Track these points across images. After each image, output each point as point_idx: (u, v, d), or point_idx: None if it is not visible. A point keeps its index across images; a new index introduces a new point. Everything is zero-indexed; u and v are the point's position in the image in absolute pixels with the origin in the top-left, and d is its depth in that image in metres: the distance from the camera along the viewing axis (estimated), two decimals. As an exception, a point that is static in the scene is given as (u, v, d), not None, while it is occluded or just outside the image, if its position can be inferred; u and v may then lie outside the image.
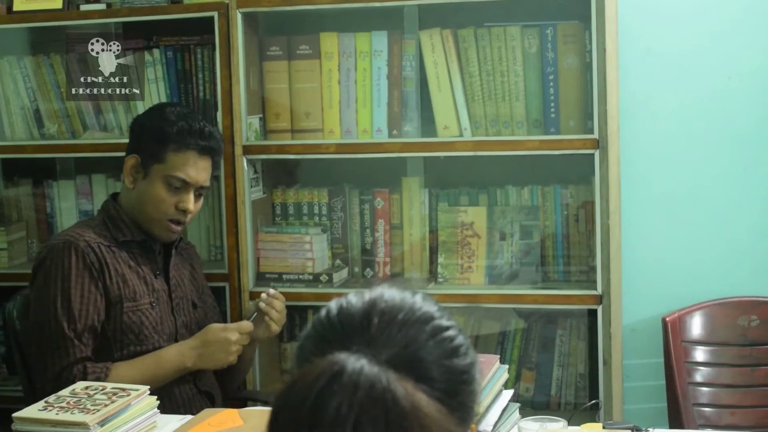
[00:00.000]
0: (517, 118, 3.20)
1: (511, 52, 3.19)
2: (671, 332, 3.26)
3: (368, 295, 1.20)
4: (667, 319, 3.27)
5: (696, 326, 3.30)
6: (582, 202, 3.24)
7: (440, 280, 3.30)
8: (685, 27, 3.34)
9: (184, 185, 2.71)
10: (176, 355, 2.69)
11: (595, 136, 3.04)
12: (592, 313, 3.15)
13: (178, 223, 2.75)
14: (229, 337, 2.69)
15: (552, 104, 3.18)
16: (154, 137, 2.72)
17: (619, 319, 3.09)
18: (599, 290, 3.06)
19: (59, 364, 2.57)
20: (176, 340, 2.77)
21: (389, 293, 1.20)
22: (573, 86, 3.17)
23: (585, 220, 3.23)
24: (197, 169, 2.73)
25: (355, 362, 1.08)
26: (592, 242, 3.14)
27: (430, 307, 1.20)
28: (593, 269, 3.11)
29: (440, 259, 3.30)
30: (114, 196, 2.86)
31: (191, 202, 2.72)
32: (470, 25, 3.22)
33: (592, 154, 3.05)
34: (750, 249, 3.35)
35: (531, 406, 3.29)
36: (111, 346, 2.67)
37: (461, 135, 3.22)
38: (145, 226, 2.76)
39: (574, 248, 3.25)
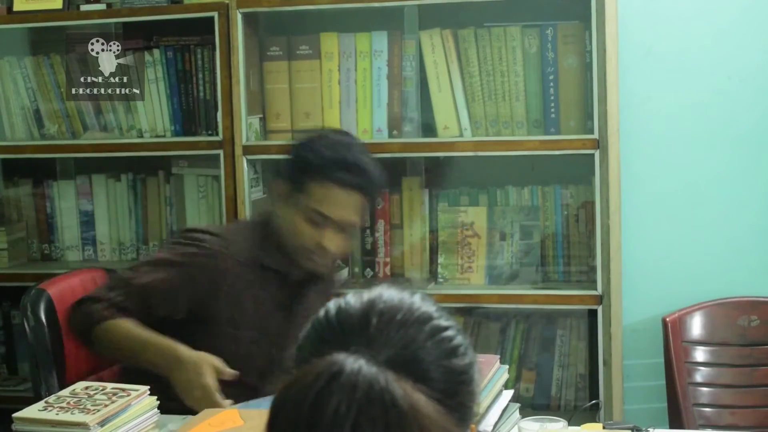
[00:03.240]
0: (517, 119, 3.20)
1: (511, 52, 3.19)
2: (671, 332, 3.26)
3: (367, 295, 1.20)
4: (667, 319, 3.27)
5: (696, 326, 3.30)
6: (582, 202, 3.24)
7: (440, 280, 3.30)
8: (685, 27, 3.34)
9: (326, 221, 2.47)
10: (159, 351, 2.44)
11: (595, 136, 3.04)
12: (592, 314, 3.15)
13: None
14: (196, 392, 2.36)
15: (552, 104, 3.18)
16: (299, 165, 2.51)
17: (619, 320, 3.09)
18: (599, 290, 3.06)
19: (101, 294, 2.54)
20: (263, 375, 2.57)
21: (388, 293, 1.20)
22: (573, 86, 3.17)
23: (585, 220, 3.23)
24: (341, 206, 2.47)
25: (354, 363, 1.08)
26: (592, 242, 3.14)
27: (429, 308, 1.20)
28: (593, 269, 3.11)
29: (440, 260, 3.30)
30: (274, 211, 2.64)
31: (330, 240, 2.47)
32: (470, 25, 3.22)
33: (592, 154, 3.05)
34: (750, 249, 3.35)
35: (531, 406, 3.29)
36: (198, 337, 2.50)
37: (461, 135, 3.22)
38: (292, 256, 2.54)
39: (574, 248, 3.24)
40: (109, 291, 2.54)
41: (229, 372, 2.38)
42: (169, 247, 2.62)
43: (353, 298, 1.20)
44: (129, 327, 2.49)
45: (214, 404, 2.30)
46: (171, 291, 2.52)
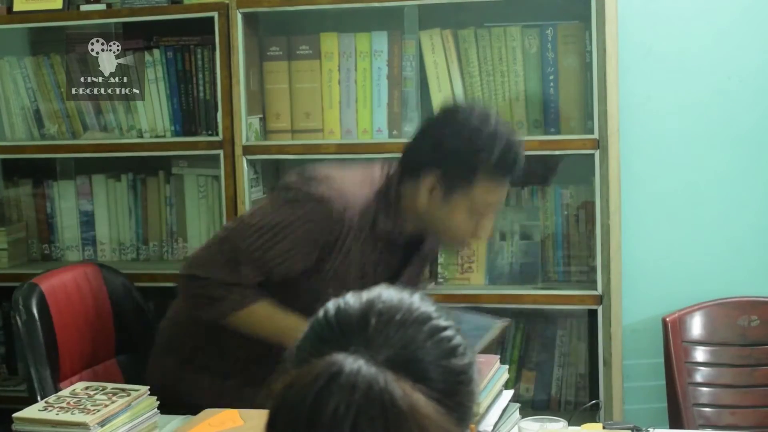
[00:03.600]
0: (517, 118, 3.20)
1: (511, 53, 3.19)
2: (671, 332, 3.26)
3: (366, 295, 1.20)
4: (667, 319, 3.27)
5: (696, 326, 3.30)
6: (582, 203, 3.24)
7: (440, 280, 3.30)
8: (685, 27, 3.34)
9: (490, 211, 2.41)
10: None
11: (595, 136, 3.04)
12: (593, 314, 3.15)
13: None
14: None
15: (552, 104, 3.18)
16: (466, 162, 2.34)
17: (619, 319, 3.09)
18: (599, 290, 3.07)
19: (230, 277, 2.42)
20: None
21: (387, 294, 1.20)
22: (573, 86, 3.17)
23: (585, 220, 3.23)
24: (503, 195, 2.45)
25: (353, 363, 1.08)
26: (592, 242, 3.14)
27: (428, 308, 1.20)
28: (593, 269, 3.12)
29: (440, 260, 3.30)
30: (396, 180, 2.47)
31: (487, 228, 2.41)
32: (470, 25, 3.22)
33: (592, 154, 3.05)
34: (750, 249, 3.35)
35: (531, 406, 3.29)
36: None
37: (461, 135, 3.21)
38: (424, 234, 2.49)
39: (574, 248, 3.25)
40: (236, 269, 2.42)
41: None
42: (289, 206, 2.42)
43: (352, 298, 1.20)
44: (269, 312, 2.44)
45: None
46: (296, 257, 2.42)
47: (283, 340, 2.37)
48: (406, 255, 2.55)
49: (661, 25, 3.35)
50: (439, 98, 3.22)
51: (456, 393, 1.17)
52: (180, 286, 2.55)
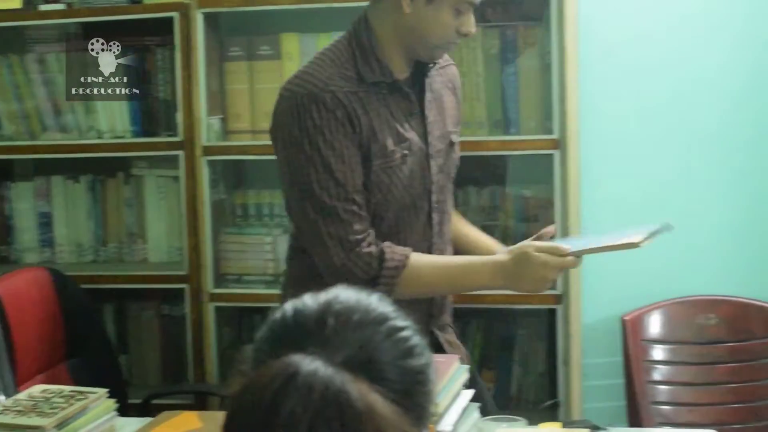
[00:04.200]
0: (478, 119, 3.21)
1: (472, 53, 3.20)
2: (630, 331, 3.28)
3: (324, 296, 1.20)
4: (626, 318, 3.29)
5: (655, 325, 3.32)
6: (543, 202, 3.25)
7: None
8: (644, 28, 3.36)
9: (470, 7, 2.36)
10: (487, 273, 2.34)
11: (555, 136, 3.06)
12: (552, 313, 3.17)
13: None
14: (547, 275, 2.31)
15: (512, 105, 3.20)
16: None
17: (579, 319, 3.10)
18: (559, 290, 3.08)
19: (341, 243, 2.28)
20: (429, 192, 2.45)
21: (345, 294, 1.20)
22: (533, 87, 3.19)
23: (545, 220, 3.24)
24: None
25: (310, 364, 1.08)
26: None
27: (386, 308, 1.20)
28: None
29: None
30: (364, 22, 2.41)
31: (471, 24, 2.38)
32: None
33: (552, 155, 3.06)
34: (708, 248, 3.38)
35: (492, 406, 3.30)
36: None
37: (423, 135, 3.22)
38: (418, 55, 2.40)
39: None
40: (351, 228, 2.29)
41: (547, 230, 2.43)
42: (288, 133, 2.31)
43: (310, 299, 1.20)
44: (427, 269, 2.35)
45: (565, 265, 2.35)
46: (350, 154, 2.30)
47: (459, 285, 2.45)
48: (419, 99, 2.47)
49: (621, 27, 3.37)
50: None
51: (413, 393, 1.17)
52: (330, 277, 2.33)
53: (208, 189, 3.25)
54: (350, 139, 2.28)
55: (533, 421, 2.39)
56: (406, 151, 2.37)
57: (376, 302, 1.21)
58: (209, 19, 3.27)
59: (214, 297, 3.27)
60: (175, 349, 3.45)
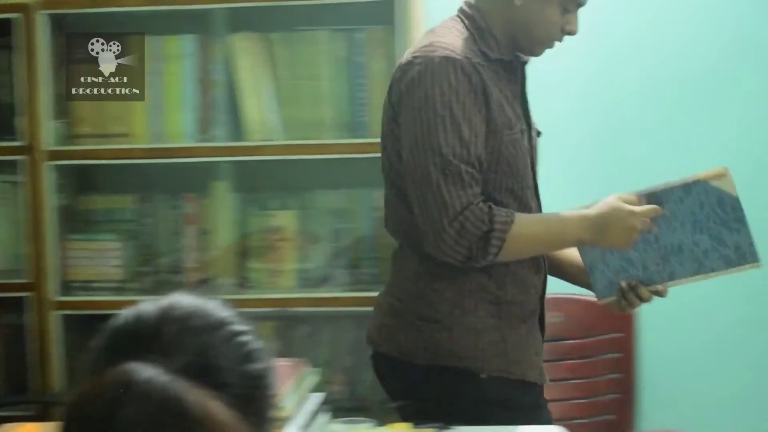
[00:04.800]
0: (326, 122, 3.22)
1: (320, 57, 3.21)
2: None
3: (162, 302, 1.19)
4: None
5: (502, 325, 3.37)
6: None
7: (251, 285, 3.29)
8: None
9: (577, 6, 2.42)
10: (577, 225, 2.36)
11: (403, 139, 3.08)
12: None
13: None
14: (635, 224, 2.33)
15: (361, 108, 3.21)
16: None
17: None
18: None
19: (459, 200, 2.26)
20: (534, 175, 2.49)
21: (184, 300, 1.19)
22: (382, 90, 3.17)
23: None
24: None
25: (147, 371, 1.07)
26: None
27: (225, 313, 1.20)
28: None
29: (251, 264, 3.29)
30: (475, 9, 2.44)
31: (575, 23, 2.41)
32: (280, 29, 3.22)
33: (400, 158, 3.08)
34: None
35: (342, 408, 3.30)
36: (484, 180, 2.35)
37: (271, 139, 3.21)
38: (521, 48, 2.45)
39: (383, 251, 3.27)
40: (464, 187, 2.27)
41: (643, 209, 2.36)
42: (424, 90, 2.30)
43: (148, 306, 1.19)
44: (530, 225, 2.36)
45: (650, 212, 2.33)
46: (476, 122, 2.32)
47: (559, 242, 2.44)
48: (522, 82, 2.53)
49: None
50: (249, 102, 3.21)
51: (254, 398, 1.17)
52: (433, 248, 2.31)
53: (51, 194, 3.17)
54: (478, 108, 2.29)
55: (383, 423, 2.40)
56: (523, 127, 2.43)
57: (215, 308, 1.20)
58: (53, 20, 3.19)
59: (59, 305, 3.20)
60: (18, 359, 3.35)
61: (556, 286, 3.40)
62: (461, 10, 2.45)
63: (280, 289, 3.26)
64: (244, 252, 3.32)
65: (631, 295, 2.44)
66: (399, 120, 2.35)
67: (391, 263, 2.57)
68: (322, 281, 3.29)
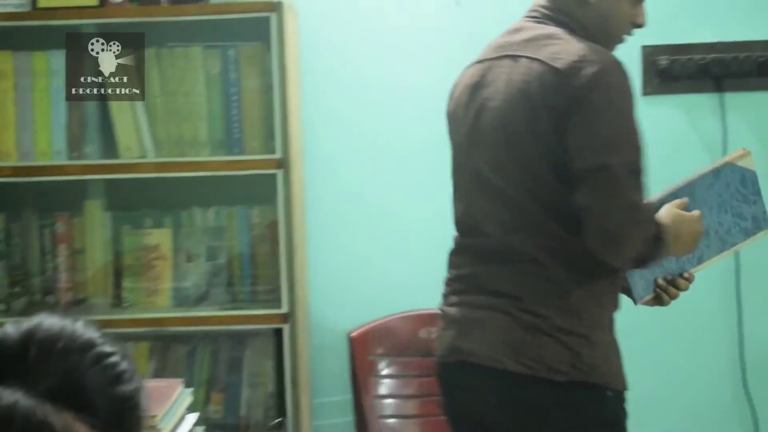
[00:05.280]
0: (200, 139, 3.19)
1: (193, 73, 3.18)
2: (357, 347, 3.34)
3: (26, 324, 1.15)
4: (353, 334, 3.34)
5: (381, 340, 3.39)
6: (268, 222, 3.26)
7: (126, 304, 3.23)
8: (365, 48, 3.44)
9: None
10: (674, 230, 2.31)
11: (278, 156, 3.08)
12: (279, 333, 3.17)
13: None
14: (699, 229, 2.35)
15: (236, 125, 3.19)
16: None
17: (306, 337, 3.13)
18: (285, 309, 3.09)
19: (642, 200, 2.22)
20: None
21: (48, 321, 1.16)
22: (256, 107, 3.19)
23: (271, 239, 3.25)
24: None
25: (10, 396, 1.03)
26: (278, 262, 3.17)
27: (92, 334, 1.17)
28: (280, 288, 3.14)
29: (126, 283, 3.24)
30: (562, 14, 2.36)
31: (644, 15, 2.40)
32: (152, 45, 3.18)
33: (276, 174, 3.08)
34: (429, 262, 3.47)
35: (221, 427, 3.27)
36: None
37: (144, 156, 3.17)
38: (609, 41, 2.40)
39: (261, 268, 3.26)
40: (643, 188, 2.22)
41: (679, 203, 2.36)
42: (609, 91, 2.21)
43: (12, 328, 1.15)
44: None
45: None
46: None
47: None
48: None
49: (343, 47, 3.44)
50: (120, 119, 3.16)
51: (123, 420, 1.14)
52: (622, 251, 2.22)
53: None
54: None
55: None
56: None
57: (82, 329, 1.17)
58: None
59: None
60: None
61: (434, 301, 3.44)
62: (548, 17, 2.36)
63: (156, 308, 3.21)
64: (118, 271, 3.26)
65: (672, 288, 2.48)
66: (570, 123, 2.20)
67: (509, 278, 2.28)
68: (199, 300, 3.25)
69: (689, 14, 3.14)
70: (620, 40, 2.40)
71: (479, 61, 2.39)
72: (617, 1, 2.34)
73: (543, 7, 2.36)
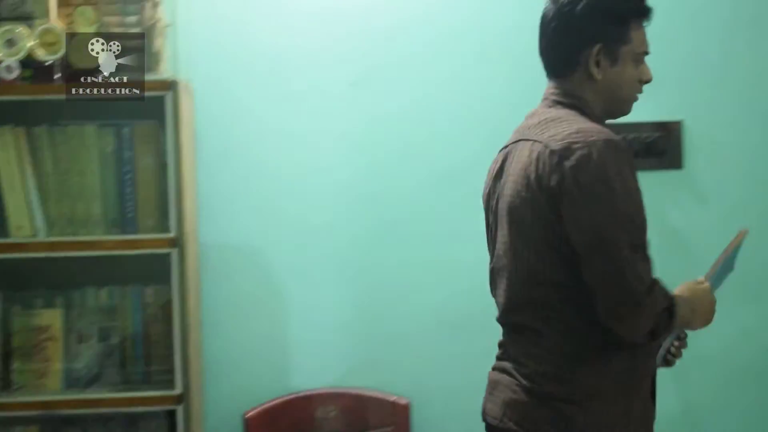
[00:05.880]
0: (94, 218, 3.15)
1: (87, 152, 3.15)
2: (252, 428, 3.30)
3: None
4: (248, 415, 3.31)
5: (277, 421, 3.36)
6: (163, 302, 3.22)
7: (16, 387, 3.15)
8: (258, 127, 3.46)
9: (644, 57, 2.50)
10: (692, 305, 2.40)
11: (173, 235, 3.05)
12: (172, 415, 3.12)
13: None
14: (713, 299, 2.45)
15: (130, 204, 3.16)
16: (616, 20, 2.44)
17: (200, 419, 3.08)
18: (179, 390, 3.05)
19: (648, 274, 2.26)
20: None
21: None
22: (151, 185, 3.17)
23: (165, 319, 3.20)
24: (645, 35, 2.52)
25: None
26: (172, 342, 3.12)
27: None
28: (174, 369, 3.10)
29: (15, 365, 3.16)
30: (569, 96, 2.46)
31: (648, 71, 2.49)
32: (44, 123, 3.15)
33: (170, 254, 3.05)
34: (327, 342, 3.47)
35: None
36: None
37: (35, 235, 3.11)
38: (614, 113, 2.49)
39: (154, 348, 3.21)
40: (651, 266, 2.29)
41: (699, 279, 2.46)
42: (598, 175, 2.26)
43: None
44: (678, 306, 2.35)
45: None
46: (641, 200, 2.33)
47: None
48: None
49: (239, 126, 3.45)
50: (11, 197, 3.10)
51: None
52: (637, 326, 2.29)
53: None
54: (637, 183, 2.32)
55: None
56: None
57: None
58: None
59: None
60: None
61: (327, 380, 3.43)
62: (558, 102, 2.47)
63: (47, 390, 3.14)
64: (7, 353, 3.18)
65: (680, 350, 2.59)
66: (565, 203, 2.28)
67: (521, 347, 2.42)
68: (91, 381, 3.18)
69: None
70: (633, 100, 2.51)
71: (504, 147, 2.51)
72: (622, 68, 2.45)
73: (553, 93, 2.47)
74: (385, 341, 3.49)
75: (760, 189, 3.55)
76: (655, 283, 2.27)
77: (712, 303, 2.44)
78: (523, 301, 2.39)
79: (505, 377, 2.41)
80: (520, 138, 2.42)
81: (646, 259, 2.28)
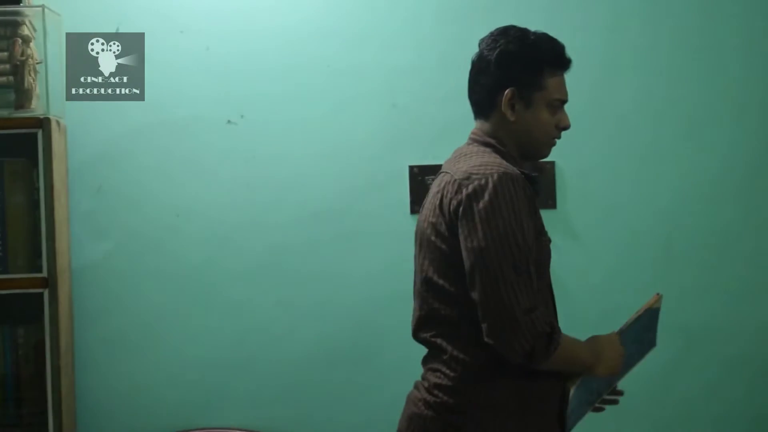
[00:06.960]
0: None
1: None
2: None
3: None
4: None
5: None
6: (35, 342, 3.16)
7: None
8: (135, 165, 3.42)
9: (561, 105, 2.62)
10: (592, 351, 2.53)
11: (44, 274, 3.01)
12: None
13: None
14: (621, 349, 2.57)
15: (0, 243, 3.10)
16: (529, 67, 2.59)
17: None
18: (51, 432, 3.00)
19: (529, 298, 2.37)
20: (549, 277, 2.62)
21: None
22: (21, 224, 3.12)
23: (36, 360, 3.15)
24: (564, 84, 2.65)
25: None
26: (44, 383, 3.06)
27: None
28: (46, 411, 3.03)
29: None
30: (486, 135, 2.62)
31: (566, 118, 2.63)
32: None
33: (42, 293, 3.00)
34: (202, 382, 3.44)
35: None
36: None
37: None
38: (531, 154, 2.65)
39: (26, 390, 3.15)
40: (534, 289, 2.40)
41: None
42: (489, 205, 2.42)
43: None
44: (571, 342, 2.47)
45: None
46: (532, 230, 2.47)
47: (589, 364, 2.51)
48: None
49: (114, 161, 3.41)
50: None
51: None
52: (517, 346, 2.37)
53: None
54: (531, 216, 2.47)
55: None
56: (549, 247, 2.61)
57: None
58: None
59: None
60: None
61: (209, 419, 3.39)
62: (475, 141, 2.64)
63: None
64: None
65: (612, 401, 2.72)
66: (461, 225, 2.46)
67: (427, 361, 2.56)
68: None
69: (455, 135, 3.25)
70: (551, 144, 2.66)
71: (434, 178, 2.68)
72: (536, 114, 2.60)
73: (474, 132, 2.65)
74: (262, 378, 3.47)
75: (629, 226, 3.64)
76: (536, 308, 2.38)
77: (618, 352, 2.57)
78: (429, 318, 2.53)
79: (414, 392, 2.55)
80: (441, 171, 2.60)
81: (529, 283, 2.40)
